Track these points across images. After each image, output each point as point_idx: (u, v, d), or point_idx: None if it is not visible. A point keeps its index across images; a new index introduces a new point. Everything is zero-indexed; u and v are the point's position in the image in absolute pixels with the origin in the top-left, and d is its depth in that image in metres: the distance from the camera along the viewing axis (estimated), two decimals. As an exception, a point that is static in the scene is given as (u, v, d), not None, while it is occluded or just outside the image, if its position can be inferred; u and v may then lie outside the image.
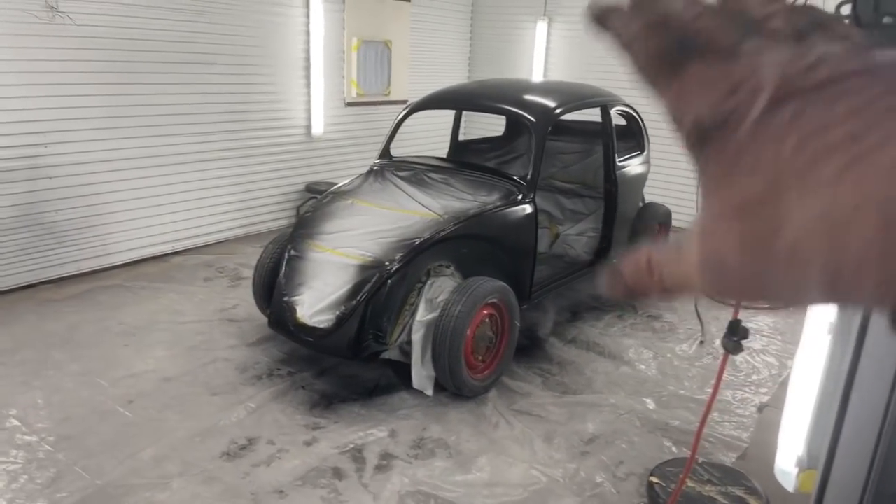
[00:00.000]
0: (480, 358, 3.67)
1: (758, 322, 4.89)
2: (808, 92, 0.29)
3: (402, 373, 3.72)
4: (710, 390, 3.07)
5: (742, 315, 1.86)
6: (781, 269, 0.30)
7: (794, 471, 1.62)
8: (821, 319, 1.51)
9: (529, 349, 4.29)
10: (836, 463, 1.08)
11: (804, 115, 0.29)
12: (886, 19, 1.10)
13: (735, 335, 1.84)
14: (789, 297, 0.32)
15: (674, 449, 3.29)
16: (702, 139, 0.32)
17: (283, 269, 3.75)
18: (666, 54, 0.32)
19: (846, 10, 1.12)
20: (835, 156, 0.28)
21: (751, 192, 0.30)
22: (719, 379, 2.01)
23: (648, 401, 3.74)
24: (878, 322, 1.09)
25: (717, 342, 3.71)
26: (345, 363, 3.88)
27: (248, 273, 4.83)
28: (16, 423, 3.24)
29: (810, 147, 0.28)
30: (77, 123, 4.85)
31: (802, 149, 0.28)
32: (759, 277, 0.31)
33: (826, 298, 0.30)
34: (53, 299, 4.70)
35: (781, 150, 0.29)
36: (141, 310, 4.60)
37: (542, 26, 7.92)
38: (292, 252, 3.78)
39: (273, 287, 3.83)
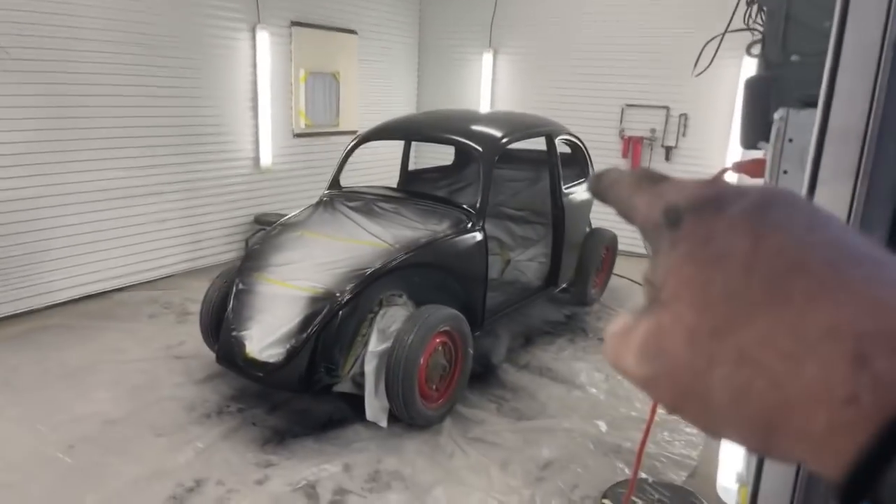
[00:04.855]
0: (434, 387, 3.67)
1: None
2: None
3: (355, 405, 3.69)
4: (659, 410, 3.14)
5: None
6: (723, 373, 0.28)
7: (735, 486, 1.67)
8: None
9: (483, 376, 4.30)
10: (763, 477, 1.13)
11: (785, 224, 0.28)
12: (794, 58, 1.19)
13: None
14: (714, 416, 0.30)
15: (626, 470, 3.34)
16: (673, 223, 0.31)
17: (232, 302, 3.70)
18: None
19: (756, 50, 1.20)
20: (809, 276, 0.27)
21: (714, 287, 0.29)
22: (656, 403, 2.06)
23: (601, 423, 3.79)
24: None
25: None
26: (297, 397, 3.82)
27: (195, 308, 4.71)
28: (-54, 474, 3.08)
29: (785, 258, 0.27)
30: (13, 159, 4.71)
31: (780, 254, 0.28)
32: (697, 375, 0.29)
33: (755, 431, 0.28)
34: (-12, 342, 4.51)
35: (757, 251, 0.28)
36: (83, 350, 4.44)
37: (487, 58, 8.10)
38: (240, 285, 3.73)
39: (221, 322, 3.76)
